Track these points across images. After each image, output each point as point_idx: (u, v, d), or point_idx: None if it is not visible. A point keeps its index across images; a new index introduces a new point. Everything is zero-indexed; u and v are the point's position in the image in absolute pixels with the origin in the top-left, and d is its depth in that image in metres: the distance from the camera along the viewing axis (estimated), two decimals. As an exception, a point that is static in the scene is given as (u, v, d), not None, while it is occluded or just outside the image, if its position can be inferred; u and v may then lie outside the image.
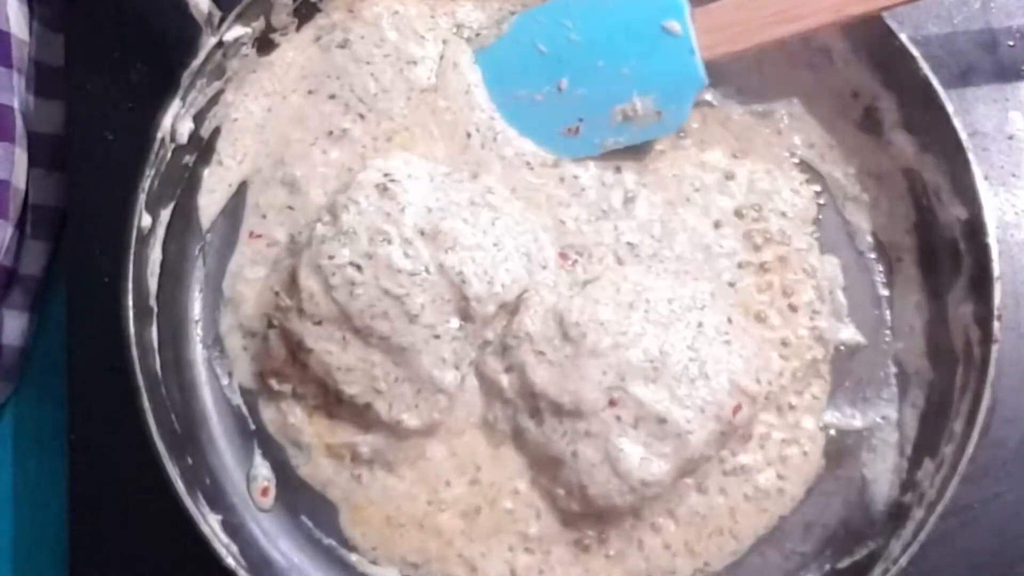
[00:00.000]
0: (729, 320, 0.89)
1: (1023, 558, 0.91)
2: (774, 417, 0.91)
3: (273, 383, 0.92)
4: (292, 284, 0.88)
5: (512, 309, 0.89)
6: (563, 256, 0.92)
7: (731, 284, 0.92)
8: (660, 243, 0.92)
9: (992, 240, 0.84)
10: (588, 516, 0.89)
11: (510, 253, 0.88)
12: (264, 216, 0.95)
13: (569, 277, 0.91)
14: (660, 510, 0.89)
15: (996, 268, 0.84)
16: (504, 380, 0.89)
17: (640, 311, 0.87)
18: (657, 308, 0.87)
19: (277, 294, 0.90)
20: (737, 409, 0.86)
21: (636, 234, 0.92)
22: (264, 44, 0.95)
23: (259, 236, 0.95)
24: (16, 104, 0.95)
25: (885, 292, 0.93)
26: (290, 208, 0.95)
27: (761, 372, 0.88)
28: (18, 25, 0.95)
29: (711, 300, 0.89)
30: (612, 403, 0.84)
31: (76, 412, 0.95)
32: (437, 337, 0.87)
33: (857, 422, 0.91)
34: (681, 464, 0.86)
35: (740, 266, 0.92)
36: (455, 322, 0.87)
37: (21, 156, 0.95)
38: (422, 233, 0.86)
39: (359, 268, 0.86)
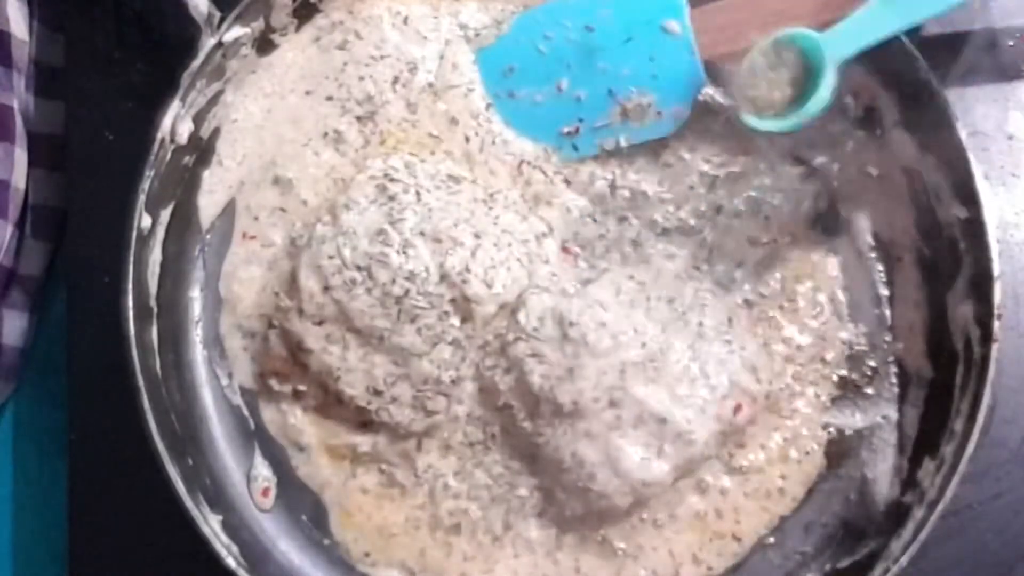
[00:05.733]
0: (729, 320, 0.89)
1: (1023, 558, 0.91)
2: (775, 417, 0.91)
3: (273, 383, 0.92)
4: (292, 285, 0.88)
5: (512, 309, 0.88)
6: (565, 251, 0.92)
7: (732, 283, 0.92)
8: (663, 239, 0.92)
9: (992, 239, 0.84)
10: (589, 517, 0.89)
11: (511, 253, 0.88)
12: (256, 218, 0.95)
13: (571, 273, 0.91)
14: (661, 511, 0.89)
15: (996, 267, 0.84)
16: (503, 381, 0.88)
17: (640, 311, 0.87)
18: (658, 308, 0.87)
19: (277, 295, 0.90)
20: (738, 409, 0.86)
21: (640, 230, 0.92)
22: (264, 45, 0.95)
23: (253, 237, 0.95)
24: (16, 104, 0.95)
25: (885, 292, 0.93)
26: (282, 210, 0.94)
27: (762, 371, 0.88)
28: (18, 25, 0.95)
29: (712, 299, 0.89)
30: (612, 403, 0.84)
31: (76, 412, 0.95)
32: (437, 337, 0.87)
33: (857, 422, 0.91)
34: (682, 464, 0.86)
35: (740, 265, 0.92)
36: (455, 322, 0.87)
37: (21, 156, 0.95)
38: (422, 234, 0.86)
39: (359, 268, 0.86)
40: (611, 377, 0.84)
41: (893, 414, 0.91)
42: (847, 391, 0.92)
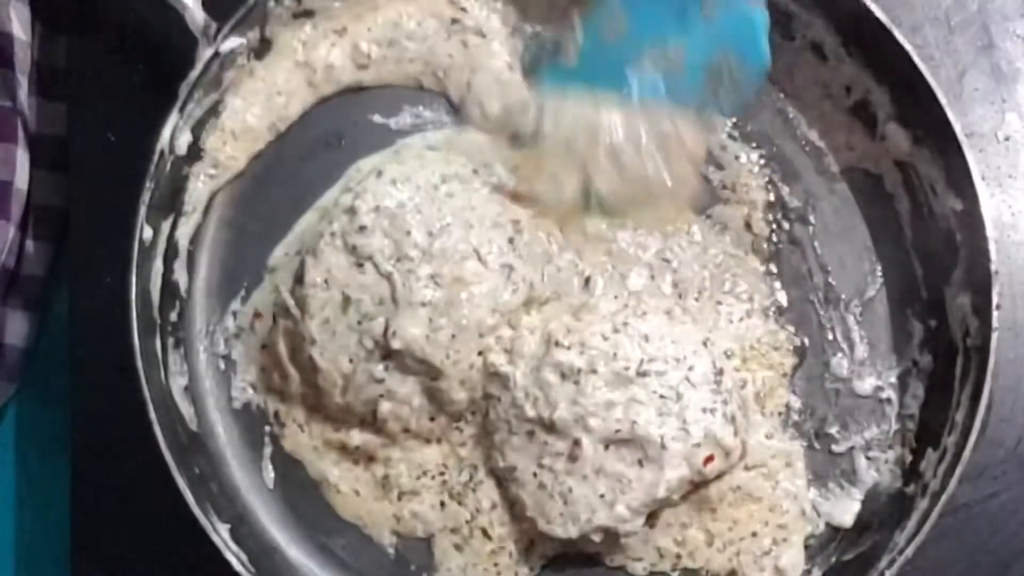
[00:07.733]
0: (721, 370, 0.88)
1: (1019, 557, 0.91)
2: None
3: (275, 384, 0.92)
4: (294, 285, 0.89)
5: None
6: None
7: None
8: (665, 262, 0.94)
9: (988, 230, 0.85)
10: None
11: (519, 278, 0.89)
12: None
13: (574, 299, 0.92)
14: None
15: (993, 255, 0.85)
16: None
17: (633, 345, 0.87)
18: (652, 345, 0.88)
19: (279, 296, 0.90)
20: (708, 460, 0.85)
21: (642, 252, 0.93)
22: (260, 54, 0.94)
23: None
24: (18, 105, 0.95)
25: (887, 283, 0.94)
26: None
27: (740, 423, 0.87)
28: (20, 26, 0.96)
29: (702, 347, 0.89)
30: (577, 443, 0.84)
31: (79, 412, 0.95)
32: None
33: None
34: (648, 504, 0.85)
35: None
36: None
37: (23, 157, 0.96)
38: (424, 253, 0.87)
39: (360, 267, 0.86)
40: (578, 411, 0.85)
41: (894, 406, 0.92)
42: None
